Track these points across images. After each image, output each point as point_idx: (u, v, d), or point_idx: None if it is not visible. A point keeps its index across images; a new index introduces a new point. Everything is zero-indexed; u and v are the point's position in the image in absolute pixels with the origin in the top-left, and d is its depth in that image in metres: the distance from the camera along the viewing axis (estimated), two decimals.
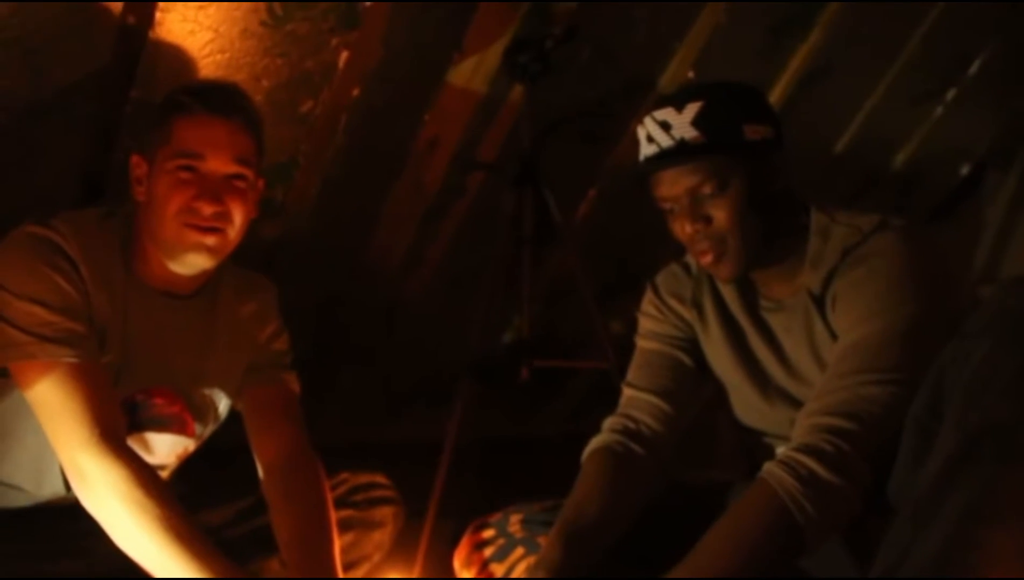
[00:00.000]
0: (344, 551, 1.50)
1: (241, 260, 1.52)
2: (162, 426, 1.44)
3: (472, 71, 2.06)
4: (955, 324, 0.95)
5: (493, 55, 2.03)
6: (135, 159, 1.39)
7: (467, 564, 1.43)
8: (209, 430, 1.53)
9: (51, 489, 1.38)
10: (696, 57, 2.30)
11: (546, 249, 2.21)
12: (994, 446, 0.82)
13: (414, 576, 1.83)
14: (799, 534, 1.09)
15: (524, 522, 1.42)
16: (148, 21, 1.66)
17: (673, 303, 1.48)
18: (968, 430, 0.84)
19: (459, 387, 1.97)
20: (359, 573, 1.56)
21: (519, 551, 1.38)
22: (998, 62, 2.74)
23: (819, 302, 1.29)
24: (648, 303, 1.51)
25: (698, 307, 1.45)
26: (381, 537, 1.59)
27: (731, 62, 2.32)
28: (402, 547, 1.69)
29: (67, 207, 1.41)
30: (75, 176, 1.83)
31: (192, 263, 1.37)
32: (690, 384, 1.44)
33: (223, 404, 1.53)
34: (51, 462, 1.31)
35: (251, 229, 1.43)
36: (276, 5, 1.73)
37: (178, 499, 1.26)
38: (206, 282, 1.46)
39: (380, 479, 1.63)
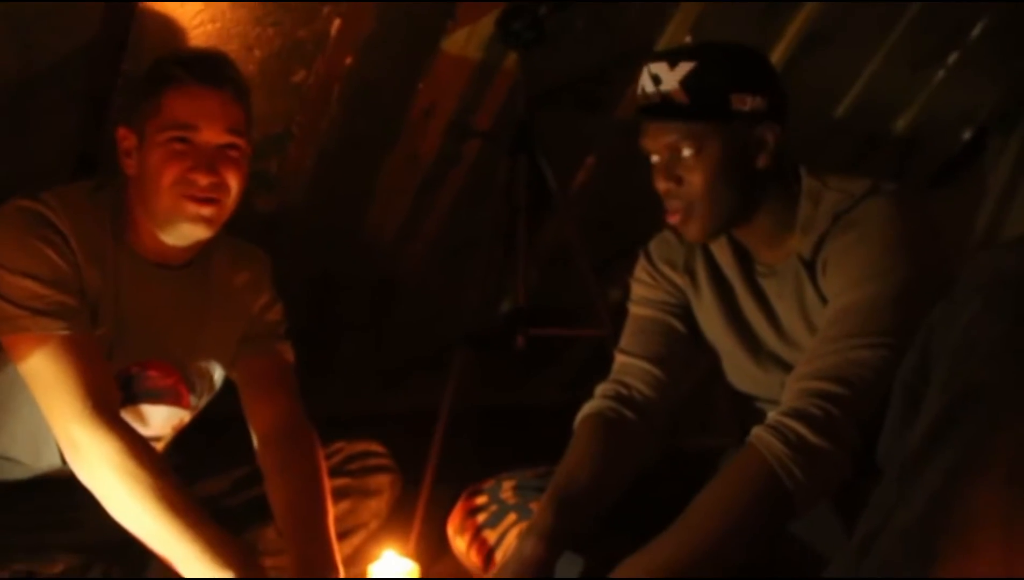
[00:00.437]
0: (341, 519, 1.51)
1: (237, 233, 1.52)
2: (158, 398, 1.45)
3: (466, 39, 2.04)
4: (945, 289, 0.94)
5: (487, 23, 2.01)
6: (122, 131, 1.38)
7: (460, 531, 1.44)
8: (204, 401, 1.54)
9: (48, 461, 1.39)
10: (693, 21, 2.27)
11: (542, 217, 2.21)
12: (978, 408, 0.81)
13: (410, 542, 1.85)
14: (788, 499, 1.09)
15: (517, 488, 1.43)
16: None
17: (665, 269, 1.47)
18: (953, 392, 0.84)
19: (454, 356, 1.96)
20: (356, 540, 1.58)
21: (511, 517, 1.39)
22: (1000, 26, 2.70)
23: (810, 267, 1.29)
24: (641, 269, 1.51)
25: (690, 273, 1.45)
26: (378, 505, 1.60)
27: (729, 25, 2.29)
28: (399, 514, 1.70)
29: (62, 182, 1.40)
30: (69, 151, 1.82)
31: (188, 234, 1.37)
32: (683, 350, 1.44)
33: (218, 375, 1.54)
34: (48, 435, 1.32)
35: (246, 202, 1.43)
36: None
37: (175, 469, 1.27)
38: (199, 253, 1.46)
39: (376, 448, 1.64)
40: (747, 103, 1.26)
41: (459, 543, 1.44)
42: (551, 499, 1.27)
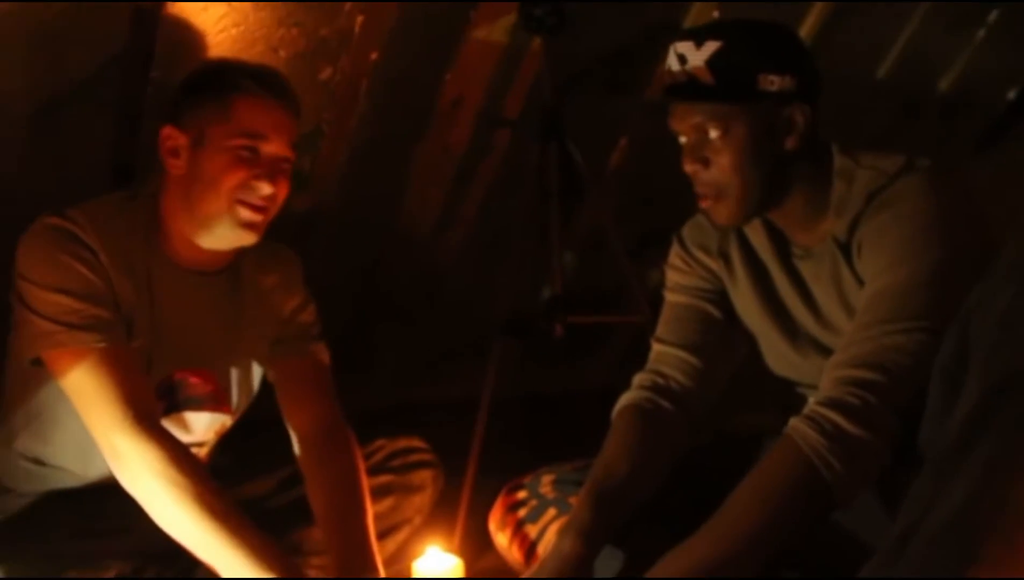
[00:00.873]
0: (384, 516, 1.53)
1: (275, 234, 1.52)
2: (200, 405, 1.47)
3: (490, 26, 2.02)
4: (985, 268, 0.91)
5: (510, 9, 1.99)
6: (169, 130, 1.38)
7: (501, 526, 1.44)
8: (244, 404, 1.56)
9: (97, 470, 1.41)
10: None
11: (576, 203, 2.18)
12: (1017, 396, 0.79)
13: (455, 538, 1.85)
14: (827, 491, 1.07)
15: (555, 483, 1.43)
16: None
17: (699, 254, 1.45)
18: (991, 380, 0.81)
19: (494, 345, 1.96)
20: (400, 537, 1.59)
21: (551, 512, 1.39)
22: None
23: (845, 249, 1.25)
24: (674, 256, 1.49)
25: (724, 257, 1.42)
26: (421, 500, 1.61)
27: None
28: (443, 508, 1.70)
29: (99, 194, 1.42)
30: (105, 162, 1.84)
31: (232, 239, 1.39)
32: (720, 337, 1.42)
33: (256, 377, 1.55)
34: (95, 444, 1.34)
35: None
36: None
37: (221, 471, 1.30)
38: (233, 258, 1.48)
39: (417, 443, 1.65)
40: (775, 83, 1.23)
41: (501, 539, 1.44)
42: (588, 494, 1.27)
